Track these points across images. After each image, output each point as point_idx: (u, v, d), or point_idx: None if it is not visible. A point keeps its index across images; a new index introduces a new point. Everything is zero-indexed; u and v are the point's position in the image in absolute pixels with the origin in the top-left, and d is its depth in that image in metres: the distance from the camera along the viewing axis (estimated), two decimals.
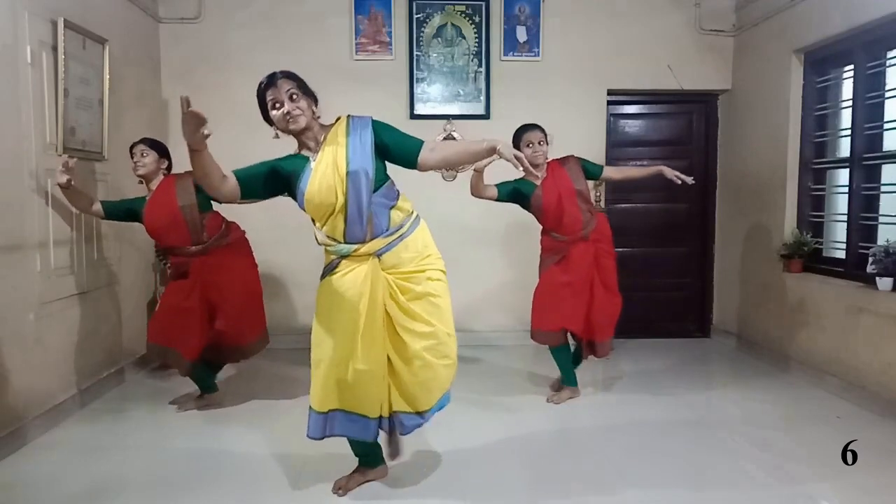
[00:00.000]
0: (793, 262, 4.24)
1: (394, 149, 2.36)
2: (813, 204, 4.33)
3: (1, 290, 2.89)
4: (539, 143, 3.49)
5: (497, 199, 3.50)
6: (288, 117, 2.31)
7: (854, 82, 3.89)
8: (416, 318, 2.35)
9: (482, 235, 4.86)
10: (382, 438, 2.53)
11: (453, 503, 2.47)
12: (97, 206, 3.41)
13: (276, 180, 2.38)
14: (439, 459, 2.84)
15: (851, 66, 3.93)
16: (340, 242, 2.34)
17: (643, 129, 5.29)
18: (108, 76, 3.75)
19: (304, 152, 2.41)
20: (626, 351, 4.71)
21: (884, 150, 3.74)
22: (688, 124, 5.33)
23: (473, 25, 4.89)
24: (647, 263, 5.22)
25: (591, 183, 3.60)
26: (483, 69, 4.92)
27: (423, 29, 4.87)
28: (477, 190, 3.36)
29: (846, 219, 3.94)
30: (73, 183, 3.24)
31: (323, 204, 2.30)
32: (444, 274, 2.45)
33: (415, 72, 4.89)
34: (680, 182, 3.58)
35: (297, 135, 2.39)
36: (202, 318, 3.40)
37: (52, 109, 3.29)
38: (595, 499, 2.51)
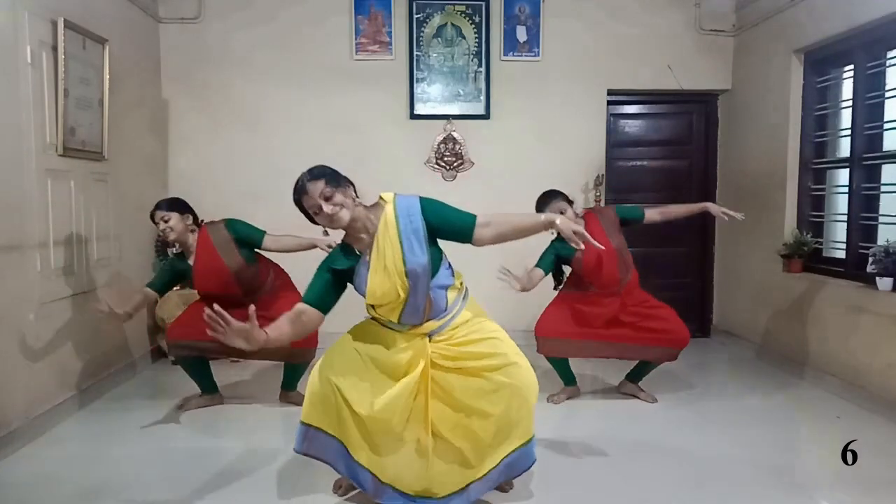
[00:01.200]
0: (793, 262, 4.24)
1: (445, 230, 2.31)
2: (813, 204, 4.33)
3: (1, 290, 2.89)
4: (561, 212, 3.34)
5: (546, 274, 3.46)
6: (330, 219, 2.24)
7: (854, 82, 3.89)
8: (480, 355, 2.32)
9: None
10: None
11: None
12: (150, 294, 3.35)
13: (338, 282, 2.34)
14: None
15: (851, 66, 3.93)
16: (395, 323, 2.35)
17: (643, 129, 5.29)
18: (108, 76, 3.75)
19: (356, 245, 2.34)
20: None
21: (884, 150, 3.74)
22: (688, 124, 5.32)
23: (473, 25, 4.89)
24: (647, 263, 5.18)
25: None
26: (483, 69, 4.92)
27: (423, 29, 4.87)
28: (531, 286, 3.30)
29: (846, 219, 3.94)
30: (117, 310, 3.13)
31: (384, 301, 2.28)
32: (492, 324, 2.44)
33: (415, 72, 4.89)
34: (728, 218, 3.45)
35: (345, 229, 2.32)
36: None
37: (52, 109, 3.28)
38: (595, 498, 2.51)
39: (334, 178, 2.27)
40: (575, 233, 2.16)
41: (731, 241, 5.12)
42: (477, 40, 4.91)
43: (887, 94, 3.69)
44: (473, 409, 2.30)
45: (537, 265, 3.44)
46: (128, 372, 4.11)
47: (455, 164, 4.95)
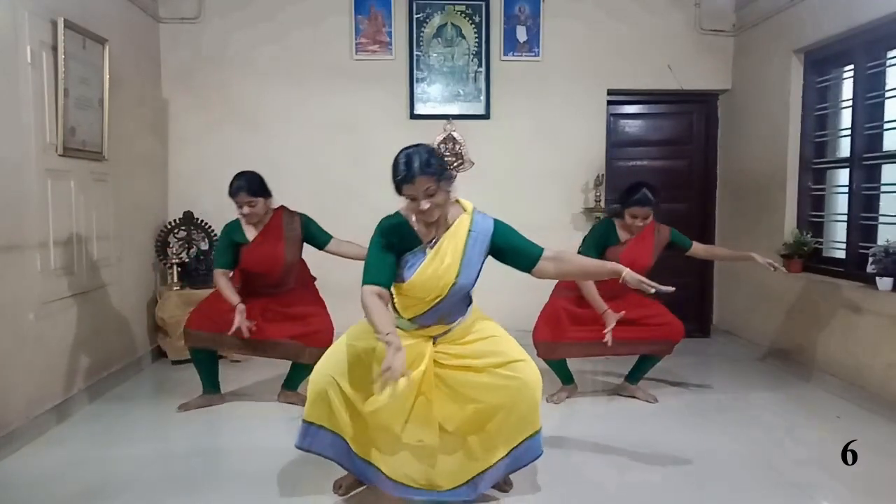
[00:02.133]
0: (793, 262, 4.24)
1: (510, 255, 2.34)
2: (813, 204, 4.33)
3: (1, 290, 2.89)
4: (644, 218, 3.41)
5: None
6: (421, 213, 2.23)
7: (854, 82, 3.89)
8: (484, 353, 2.35)
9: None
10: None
11: None
12: (225, 275, 3.37)
13: (391, 255, 2.30)
14: None
15: (851, 66, 3.93)
16: (408, 320, 2.37)
17: (643, 129, 5.29)
18: (108, 76, 3.75)
19: (422, 231, 2.32)
20: None
21: (884, 150, 3.74)
22: (688, 124, 5.32)
23: (473, 25, 4.89)
24: None
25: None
26: (483, 69, 4.92)
27: (423, 29, 4.87)
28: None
29: (846, 219, 3.94)
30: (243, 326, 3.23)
31: (417, 296, 2.31)
32: (493, 324, 2.48)
33: (415, 72, 4.89)
34: (773, 269, 3.45)
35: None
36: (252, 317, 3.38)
37: (52, 109, 3.28)
38: (594, 498, 2.52)
39: (442, 173, 2.21)
40: (642, 283, 2.25)
41: (731, 241, 5.11)
42: (477, 40, 4.91)
43: (887, 94, 3.69)
44: (480, 403, 2.33)
45: (582, 252, 3.42)
46: (128, 372, 4.11)
47: (455, 164, 4.95)
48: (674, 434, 3.17)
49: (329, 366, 2.37)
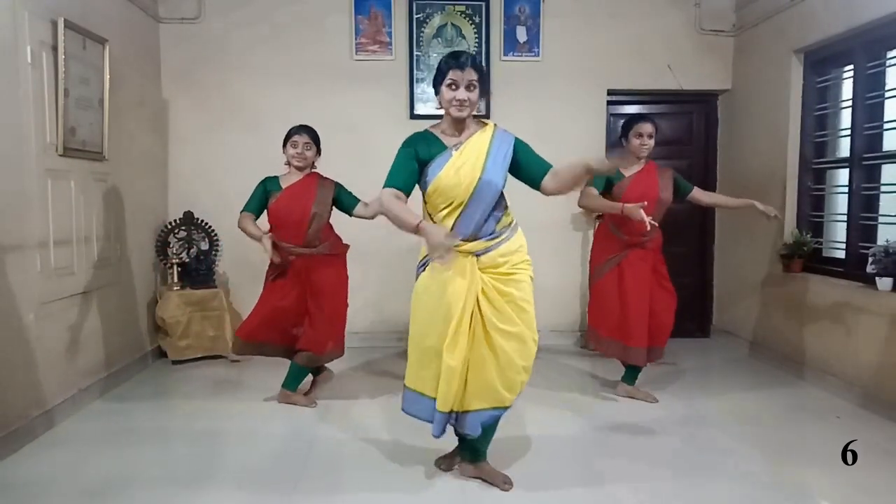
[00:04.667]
0: (793, 262, 4.24)
1: (525, 166, 2.50)
2: (813, 204, 4.33)
3: (1, 290, 2.89)
4: (649, 136, 3.57)
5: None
6: (457, 103, 2.37)
7: (854, 82, 3.89)
8: (506, 319, 2.42)
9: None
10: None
11: (454, 495, 2.48)
12: (248, 217, 3.52)
13: (416, 164, 2.44)
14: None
15: (851, 66, 3.93)
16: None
17: None
18: (108, 76, 3.75)
19: (445, 138, 2.46)
20: None
21: (884, 150, 3.74)
22: (688, 124, 5.32)
23: (473, 25, 4.90)
24: None
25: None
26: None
27: (423, 29, 4.87)
28: (588, 202, 3.54)
29: (846, 219, 3.94)
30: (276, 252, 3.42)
31: (446, 195, 2.39)
32: (532, 280, 2.53)
33: (415, 72, 4.89)
34: (770, 216, 3.63)
35: (450, 116, 2.43)
36: (294, 319, 3.53)
37: (52, 109, 3.28)
38: (594, 497, 2.52)
39: (486, 81, 2.44)
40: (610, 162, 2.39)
41: (731, 241, 5.12)
42: (477, 40, 4.91)
43: (887, 94, 3.69)
44: (478, 354, 2.42)
45: (589, 184, 3.58)
46: (128, 372, 4.11)
47: None
48: (673, 434, 3.17)
49: (414, 332, 2.49)
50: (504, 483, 2.57)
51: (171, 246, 4.63)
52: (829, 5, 3.92)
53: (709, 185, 5.30)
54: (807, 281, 4.11)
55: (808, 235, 4.18)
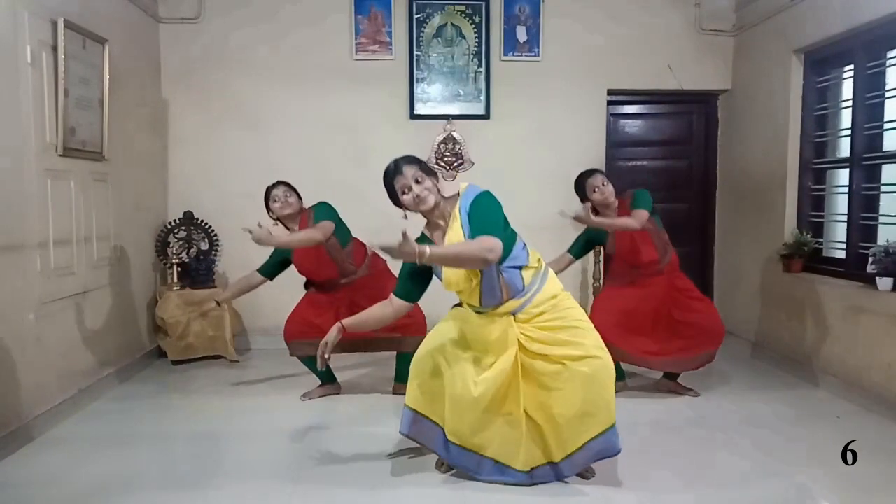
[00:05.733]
0: (793, 262, 4.24)
1: (472, 231, 2.40)
2: (813, 204, 4.33)
3: (1, 290, 2.89)
4: (603, 184, 3.54)
5: (577, 259, 3.76)
6: (417, 200, 2.44)
7: (854, 82, 3.88)
8: (562, 342, 2.45)
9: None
10: None
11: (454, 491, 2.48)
12: (256, 279, 3.68)
13: (421, 272, 2.52)
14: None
15: (851, 66, 3.92)
16: (477, 307, 2.50)
17: (643, 129, 5.29)
18: (108, 76, 3.75)
19: (434, 233, 2.54)
20: None
21: (884, 150, 3.73)
22: (688, 124, 5.33)
23: (473, 25, 4.89)
24: None
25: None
26: (483, 69, 4.92)
27: (423, 29, 4.87)
28: (558, 269, 3.48)
29: (846, 219, 3.94)
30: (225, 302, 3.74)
31: (460, 285, 2.45)
32: (575, 304, 2.57)
33: (415, 72, 4.88)
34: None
35: (426, 214, 2.50)
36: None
37: (52, 109, 3.28)
38: (594, 497, 2.51)
39: (427, 166, 2.50)
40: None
41: (731, 241, 5.12)
42: (477, 40, 4.91)
43: (887, 94, 3.69)
44: (559, 392, 2.43)
45: (568, 251, 3.73)
46: (128, 372, 4.11)
47: (455, 164, 4.96)
48: (672, 433, 3.17)
49: (429, 349, 2.54)
50: (587, 472, 2.62)
51: (171, 246, 4.63)
52: (829, 5, 3.92)
53: (709, 185, 5.31)
54: (807, 281, 4.11)
55: (809, 235, 4.18)
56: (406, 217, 2.53)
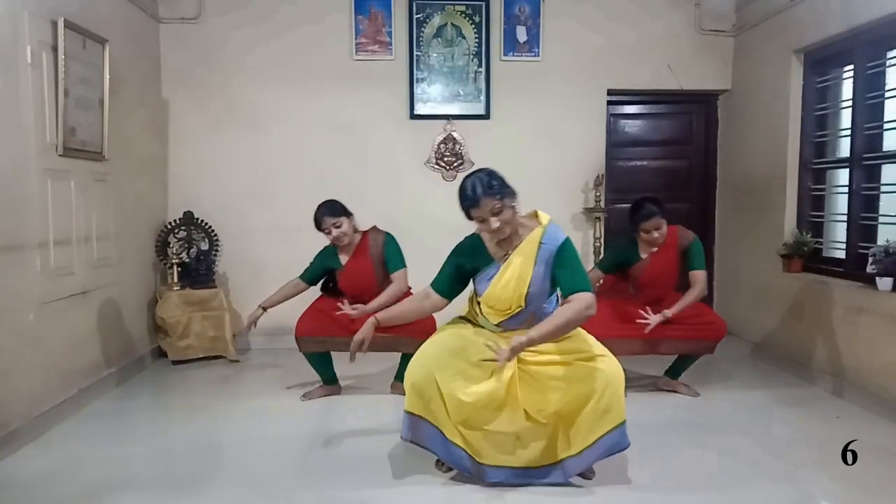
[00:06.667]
0: (793, 262, 4.24)
1: (558, 279, 2.44)
2: (813, 204, 4.33)
3: (1, 290, 2.89)
4: (656, 228, 3.45)
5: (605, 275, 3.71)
6: (493, 233, 2.43)
7: (854, 82, 3.88)
8: (571, 348, 2.48)
9: None
10: None
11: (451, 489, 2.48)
12: (300, 286, 3.67)
13: (465, 277, 2.59)
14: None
15: (851, 66, 3.92)
16: (493, 325, 2.54)
17: (643, 129, 5.29)
18: (108, 76, 3.75)
19: (494, 247, 2.52)
20: None
21: (884, 150, 3.74)
22: (688, 124, 5.33)
23: (473, 25, 4.89)
24: None
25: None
26: (483, 69, 4.92)
27: (423, 29, 4.87)
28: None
29: (846, 219, 3.94)
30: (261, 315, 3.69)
31: (496, 306, 2.47)
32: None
33: (415, 72, 4.88)
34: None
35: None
36: (350, 324, 3.50)
37: (52, 109, 3.28)
38: (594, 497, 2.51)
39: (504, 191, 2.39)
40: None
41: (731, 241, 5.12)
42: (477, 40, 4.91)
43: (887, 94, 3.69)
44: (565, 393, 2.44)
45: (597, 266, 3.70)
46: (128, 372, 4.11)
47: (455, 164, 4.96)
48: (672, 433, 3.17)
49: (425, 358, 2.51)
50: (588, 472, 2.62)
51: (171, 246, 4.63)
52: (829, 5, 3.92)
53: (709, 185, 5.31)
54: (807, 281, 4.11)
55: (808, 235, 4.18)
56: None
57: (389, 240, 3.58)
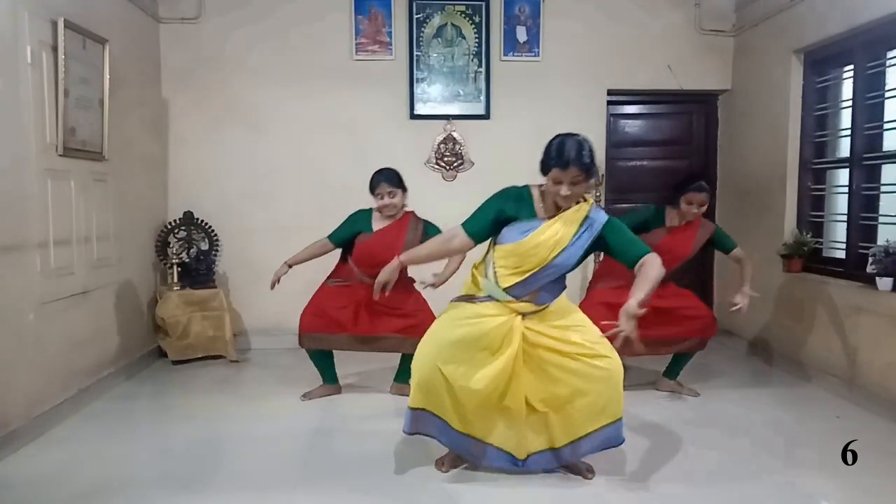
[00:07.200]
0: (793, 262, 4.24)
1: (615, 253, 2.45)
2: (813, 204, 4.33)
3: (1, 290, 2.89)
4: (700, 205, 3.47)
5: None
6: (564, 199, 2.39)
7: (854, 82, 3.88)
8: (575, 342, 2.48)
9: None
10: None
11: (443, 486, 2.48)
12: (328, 246, 3.60)
13: (500, 224, 2.49)
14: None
15: (851, 66, 3.92)
16: (500, 289, 2.47)
17: (643, 129, 5.29)
18: (108, 76, 3.75)
19: (539, 206, 2.48)
20: None
21: (884, 150, 3.74)
22: (688, 124, 5.33)
23: (473, 25, 4.89)
24: None
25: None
26: (483, 69, 4.92)
27: (423, 29, 4.87)
28: None
29: (846, 219, 3.94)
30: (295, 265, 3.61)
31: (518, 260, 2.43)
32: (581, 315, 2.60)
33: (415, 72, 4.88)
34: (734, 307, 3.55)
35: (561, 200, 2.43)
36: (354, 324, 3.56)
37: (52, 109, 3.28)
38: (594, 497, 2.52)
39: (592, 172, 2.39)
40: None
41: None
42: (477, 40, 4.91)
43: (887, 94, 3.69)
44: (565, 386, 2.47)
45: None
46: (128, 372, 4.11)
47: (455, 164, 4.96)
48: (672, 433, 3.17)
49: (429, 353, 2.51)
50: (587, 472, 2.64)
51: (171, 246, 4.63)
52: (829, 5, 3.92)
53: (709, 185, 5.27)
54: (807, 281, 4.11)
55: (808, 235, 4.18)
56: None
57: (429, 226, 3.57)
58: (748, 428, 3.25)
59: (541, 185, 2.49)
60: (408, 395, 3.59)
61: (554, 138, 2.41)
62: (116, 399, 3.74)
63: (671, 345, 3.66)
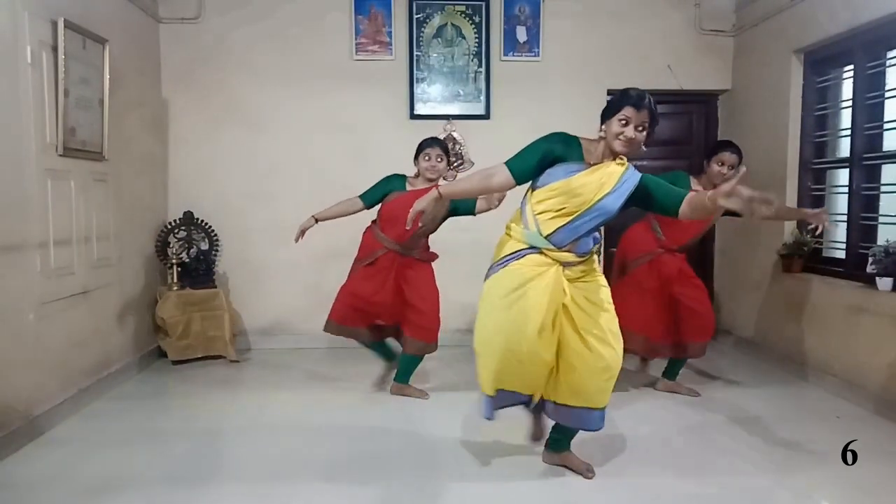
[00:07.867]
0: (793, 262, 4.24)
1: (658, 199, 2.42)
2: (813, 204, 4.32)
3: (1, 290, 2.89)
4: (731, 167, 3.46)
5: None
6: (630, 143, 2.39)
7: (854, 82, 3.89)
8: (596, 324, 2.49)
9: (483, 236, 4.85)
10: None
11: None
12: (357, 205, 3.60)
13: (544, 162, 2.45)
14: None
15: (851, 66, 3.93)
16: (542, 237, 2.44)
17: None
18: (108, 76, 3.75)
19: (587, 153, 2.46)
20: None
21: (884, 150, 3.74)
22: (688, 124, 5.33)
23: (473, 25, 4.89)
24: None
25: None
26: (483, 69, 4.92)
27: (423, 29, 4.87)
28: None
29: (846, 219, 3.94)
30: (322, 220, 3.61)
31: (565, 199, 2.40)
32: (605, 281, 2.61)
33: (415, 72, 4.88)
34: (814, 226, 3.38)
35: (618, 148, 2.43)
36: (382, 311, 3.59)
37: (52, 109, 3.28)
38: (594, 496, 2.52)
39: (655, 124, 2.48)
40: (751, 200, 2.02)
41: (731, 241, 5.12)
42: (477, 40, 4.91)
43: (887, 94, 3.69)
44: (563, 358, 2.50)
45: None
46: (128, 372, 4.11)
47: (455, 164, 4.95)
48: (673, 433, 3.17)
49: (496, 342, 2.46)
50: (587, 471, 2.64)
51: (171, 246, 4.63)
52: (829, 5, 3.92)
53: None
54: (807, 281, 4.11)
55: (808, 235, 4.18)
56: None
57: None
58: (748, 428, 3.25)
59: (583, 137, 2.50)
60: (408, 395, 3.64)
61: (629, 88, 2.46)
62: (116, 399, 3.74)
63: (672, 350, 3.73)
